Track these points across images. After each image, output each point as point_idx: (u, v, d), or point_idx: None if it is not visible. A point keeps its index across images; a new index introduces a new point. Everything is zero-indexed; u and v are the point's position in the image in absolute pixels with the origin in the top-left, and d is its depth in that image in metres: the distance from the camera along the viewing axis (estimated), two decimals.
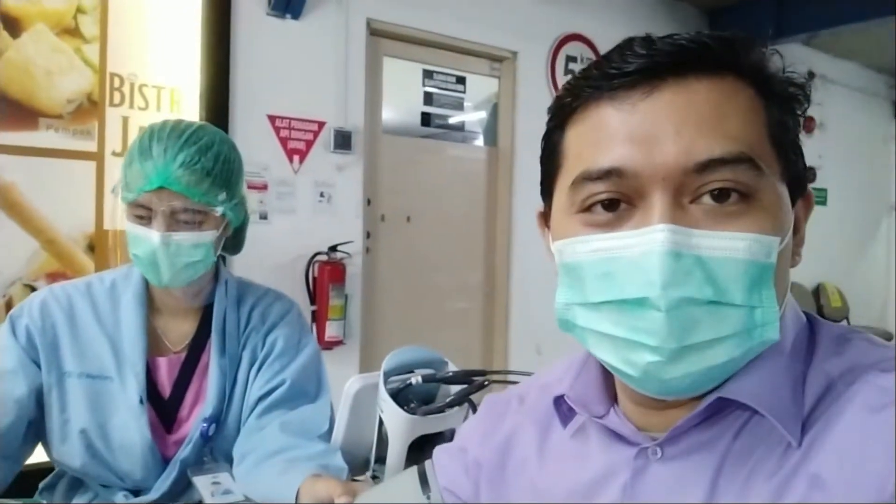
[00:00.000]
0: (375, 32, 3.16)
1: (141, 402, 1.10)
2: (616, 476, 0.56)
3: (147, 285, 1.17)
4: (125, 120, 2.58)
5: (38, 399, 1.10)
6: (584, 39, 3.79)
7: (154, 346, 1.16)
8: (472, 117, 3.68)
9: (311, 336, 1.28)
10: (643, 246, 0.48)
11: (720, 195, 0.48)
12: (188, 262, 1.09)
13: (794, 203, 0.53)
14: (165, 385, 1.16)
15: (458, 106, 3.57)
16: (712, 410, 0.52)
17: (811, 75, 4.67)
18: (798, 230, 0.55)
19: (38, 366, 1.10)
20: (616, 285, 0.49)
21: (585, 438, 0.62)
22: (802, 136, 0.55)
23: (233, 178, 1.14)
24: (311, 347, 1.25)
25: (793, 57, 0.54)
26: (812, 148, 4.59)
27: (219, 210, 1.10)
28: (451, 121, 3.57)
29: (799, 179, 0.53)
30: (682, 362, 0.48)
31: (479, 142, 3.73)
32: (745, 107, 0.50)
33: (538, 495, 0.64)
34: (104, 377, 1.11)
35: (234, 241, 1.24)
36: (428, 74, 3.43)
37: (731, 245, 0.47)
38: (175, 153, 1.05)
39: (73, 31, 2.48)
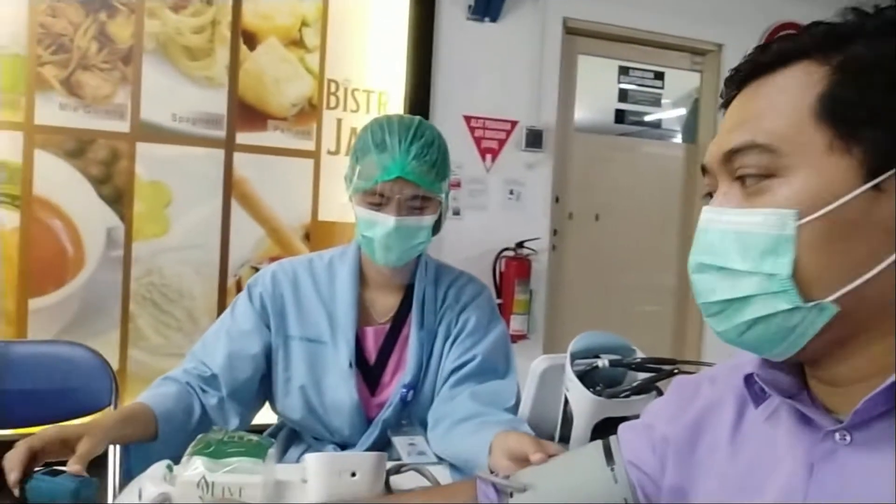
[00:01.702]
0: (571, 31, 3.18)
1: (350, 366, 1.23)
2: (802, 459, 0.55)
3: (360, 263, 1.31)
4: (339, 121, 2.85)
5: (268, 357, 1.27)
6: (799, 28, 3.47)
7: (363, 317, 1.29)
8: (671, 114, 3.55)
9: (500, 319, 1.35)
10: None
11: (744, 179, 0.56)
12: (414, 243, 1.22)
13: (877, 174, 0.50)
14: (371, 352, 1.28)
15: (656, 102, 3.46)
16: None
17: None
18: None
19: (269, 328, 1.27)
20: None
21: (776, 421, 0.61)
22: None
23: (448, 169, 1.26)
24: (500, 329, 1.32)
25: None
26: None
27: (441, 196, 1.23)
28: (648, 118, 3.48)
29: (883, 151, 0.50)
30: (723, 317, 0.56)
31: (678, 139, 3.59)
32: (792, 93, 0.54)
33: (725, 480, 0.63)
34: (320, 342, 1.26)
35: (437, 224, 1.34)
36: (624, 71, 3.38)
37: (744, 220, 0.55)
38: (408, 146, 1.17)
39: (297, 42, 2.79)
